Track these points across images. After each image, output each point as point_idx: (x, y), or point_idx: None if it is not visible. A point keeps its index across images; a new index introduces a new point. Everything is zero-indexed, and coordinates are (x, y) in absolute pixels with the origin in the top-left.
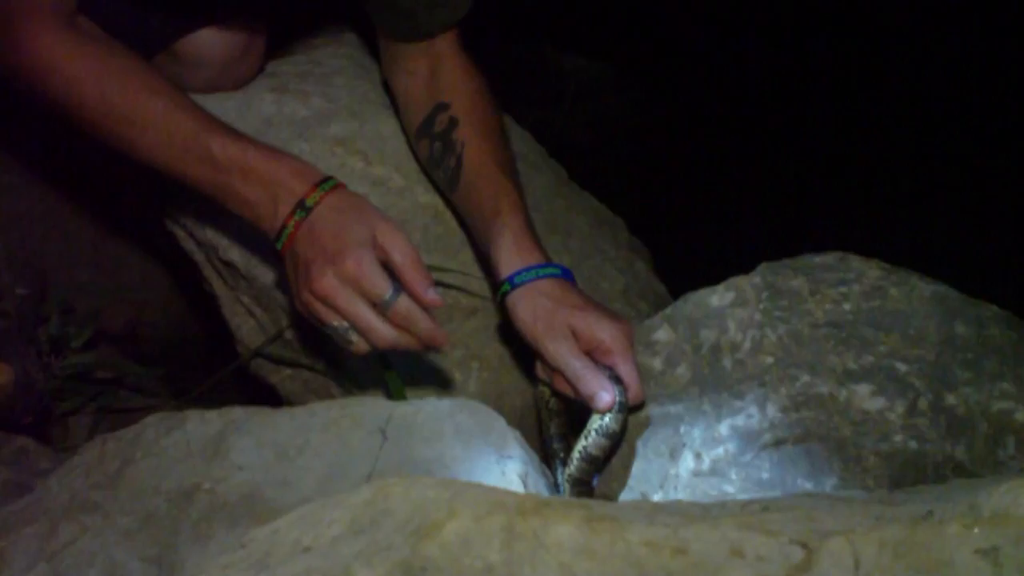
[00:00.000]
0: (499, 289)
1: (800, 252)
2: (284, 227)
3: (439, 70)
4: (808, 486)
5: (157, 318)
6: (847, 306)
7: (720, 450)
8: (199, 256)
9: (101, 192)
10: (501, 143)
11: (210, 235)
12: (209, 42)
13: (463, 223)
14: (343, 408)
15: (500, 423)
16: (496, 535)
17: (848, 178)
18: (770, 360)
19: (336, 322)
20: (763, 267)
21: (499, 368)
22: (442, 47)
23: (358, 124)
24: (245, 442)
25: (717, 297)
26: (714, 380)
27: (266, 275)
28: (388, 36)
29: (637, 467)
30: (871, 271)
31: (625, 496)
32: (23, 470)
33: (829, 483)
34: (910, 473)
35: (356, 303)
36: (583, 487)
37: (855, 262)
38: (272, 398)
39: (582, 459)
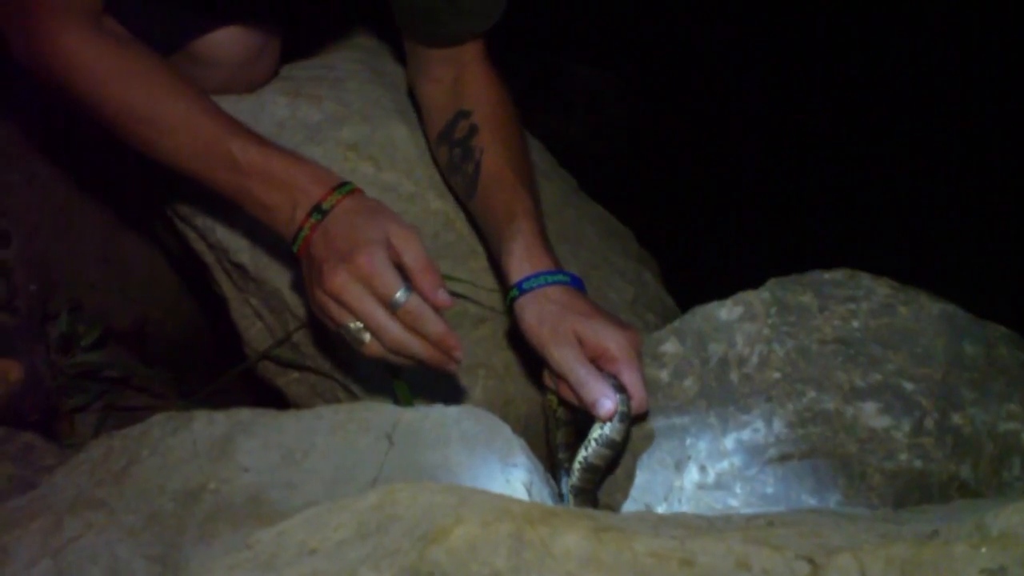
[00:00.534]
0: (508, 294)
1: (809, 268)
2: (300, 230)
3: (463, 78)
4: (812, 502)
5: (165, 318)
6: (855, 323)
7: (725, 464)
8: (209, 258)
9: (111, 191)
10: (520, 152)
11: (221, 237)
12: (225, 43)
13: (478, 230)
14: (350, 412)
15: (506, 431)
16: (503, 542)
17: (858, 194)
18: (777, 375)
19: (349, 322)
20: (772, 282)
21: (505, 376)
22: (468, 56)
23: (370, 129)
24: (251, 444)
25: (726, 311)
26: (721, 394)
27: (276, 278)
28: (415, 41)
29: (642, 478)
30: (880, 289)
31: (628, 507)
32: (28, 466)
33: (833, 499)
34: (915, 492)
35: (367, 301)
36: (586, 496)
37: (864, 279)
38: (279, 401)
39: (583, 468)
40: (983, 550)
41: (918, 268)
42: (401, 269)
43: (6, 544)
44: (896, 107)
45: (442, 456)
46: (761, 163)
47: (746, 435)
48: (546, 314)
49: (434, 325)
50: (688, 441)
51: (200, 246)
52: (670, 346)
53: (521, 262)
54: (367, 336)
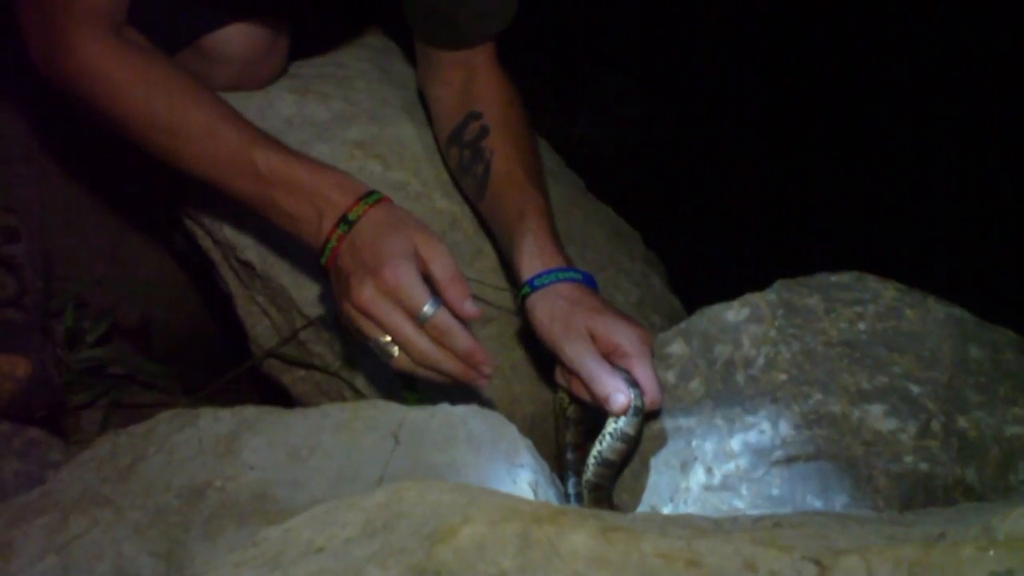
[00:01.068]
0: (519, 291)
1: (816, 270)
2: (327, 241)
3: (474, 80)
4: (818, 504)
5: (171, 315)
6: (862, 326)
7: (731, 465)
8: (216, 255)
9: (118, 187)
10: (531, 153)
11: (228, 234)
12: (235, 39)
13: (489, 231)
14: (356, 411)
15: (512, 431)
16: (511, 542)
17: (865, 197)
18: (783, 377)
19: (377, 336)
20: (779, 284)
21: (512, 376)
22: (479, 58)
23: (378, 128)
24: (257, 441)
25: (732, 313)
26: (727, 395)
27: (282, 276)
28: (426, 43)
29: (648, 479)
30: (887, 292)
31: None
32: (34, 461)
33: (839, 501)
34: (920, 494)
35: (395, 315)
36: (600, 492)
37: (871, 282)
38: (284, 399)
39: (597, 463)
40: (991, 553)
41: (925, 271)
42: (429, 280)
43: (12, 540)
44: (903, 109)
45: (448, 456)
46: (768, 165)
47: (752, 437)
48: (558, 310)
49: (462, 339)
50: (694, 442)
51: (207, 243)
52: (676, 347)
53: (532, 260)
54: (395, 350)
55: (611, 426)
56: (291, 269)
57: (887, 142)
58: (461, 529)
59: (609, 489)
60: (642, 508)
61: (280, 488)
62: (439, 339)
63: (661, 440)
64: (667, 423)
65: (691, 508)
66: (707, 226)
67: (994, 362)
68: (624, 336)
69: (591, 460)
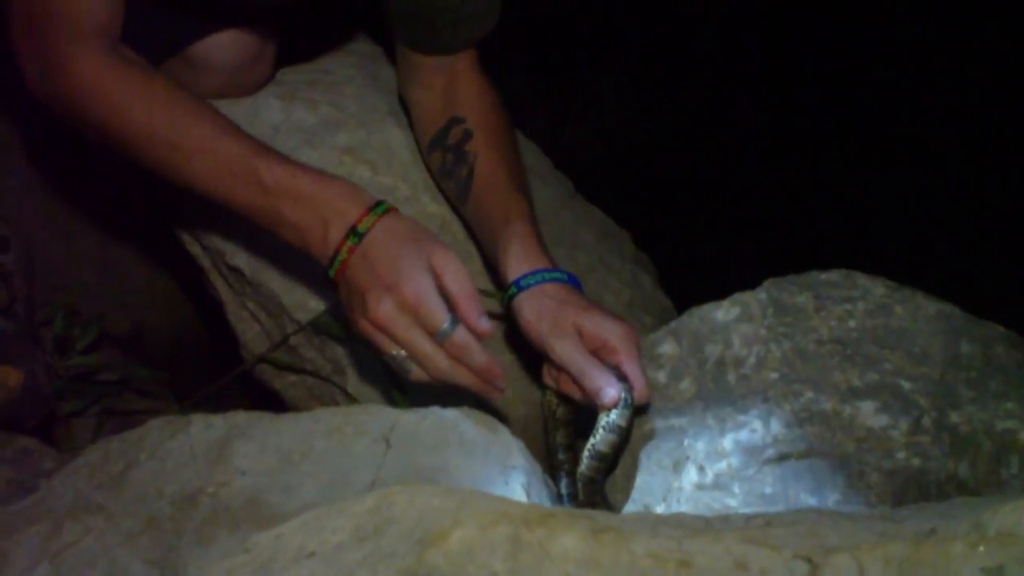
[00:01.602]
0: (506, 292)
1: (806, 268)
2: (337, 253)
3: (456, 84)
4: (811, 501)
5: (162, 322)
6: (852, 323)
7: (723, 464)
8: (205, 261)
9: (108, 195)
10: (513, 156)
11: (217, 240)
12: (222, 47)
13: (473, 234)
14: (347, 415)
15: (504, 433)
16: (501, 545)
17: (854, 195)
18: (774, 376)
19: (395, 351)
20: (768, 283)
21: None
22: (461, 64)
23: (366, 133)
24: (249, 447)
25: (722, 312)
26: (718, 394)
27: (272, 282)
28: (408, 48)
29: (640, 479)
30: (876, 289)
31: (627, 508)
32: (26, 470)
33: (832, 499)
34: (913, 490)
35: (413, 332)
36: (594, 486)
37: (860, 279)
38: (276, 404)
39: (591, 457)
40: (981, 548)
41: (914, 268)
42: (442, 293)
43: (5, 548)
44: (892, 108)
45: (440, 459)
46: (757, 164)
47: (744, 435)
48: (545, 309)
49: (479, 356)
50: (686, 442)
51: (196, 249)
52: (667, 347)
53: (519, 261)
54: (413, 366)
55: (603, 420)
56: (281, 275)
57: (875, 141)
58: (451, 533)
59: (602, 484)
60: (635, 508)
61: (272, 493)
62: (457, 355)
63: (653, 440)
64: (659, 423)
65: (684, 507)
66: (697, 226)
67: (985, 357)
68: (611, 332)
69: (585, 454)
